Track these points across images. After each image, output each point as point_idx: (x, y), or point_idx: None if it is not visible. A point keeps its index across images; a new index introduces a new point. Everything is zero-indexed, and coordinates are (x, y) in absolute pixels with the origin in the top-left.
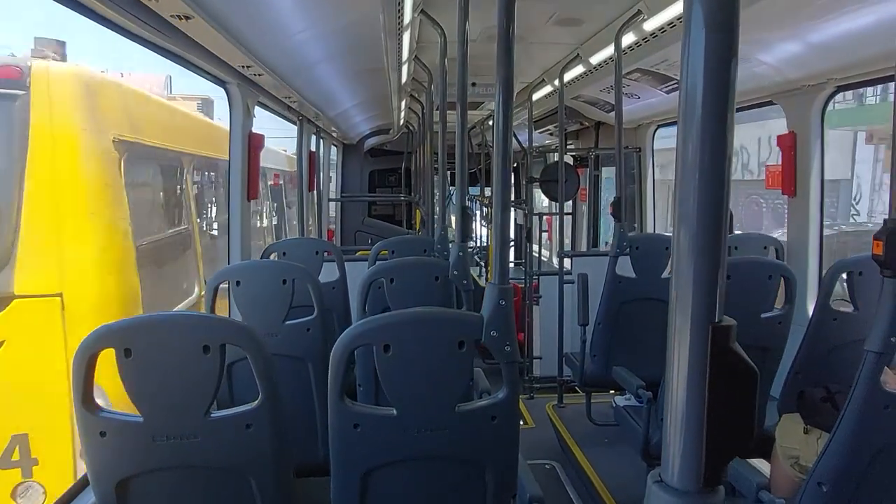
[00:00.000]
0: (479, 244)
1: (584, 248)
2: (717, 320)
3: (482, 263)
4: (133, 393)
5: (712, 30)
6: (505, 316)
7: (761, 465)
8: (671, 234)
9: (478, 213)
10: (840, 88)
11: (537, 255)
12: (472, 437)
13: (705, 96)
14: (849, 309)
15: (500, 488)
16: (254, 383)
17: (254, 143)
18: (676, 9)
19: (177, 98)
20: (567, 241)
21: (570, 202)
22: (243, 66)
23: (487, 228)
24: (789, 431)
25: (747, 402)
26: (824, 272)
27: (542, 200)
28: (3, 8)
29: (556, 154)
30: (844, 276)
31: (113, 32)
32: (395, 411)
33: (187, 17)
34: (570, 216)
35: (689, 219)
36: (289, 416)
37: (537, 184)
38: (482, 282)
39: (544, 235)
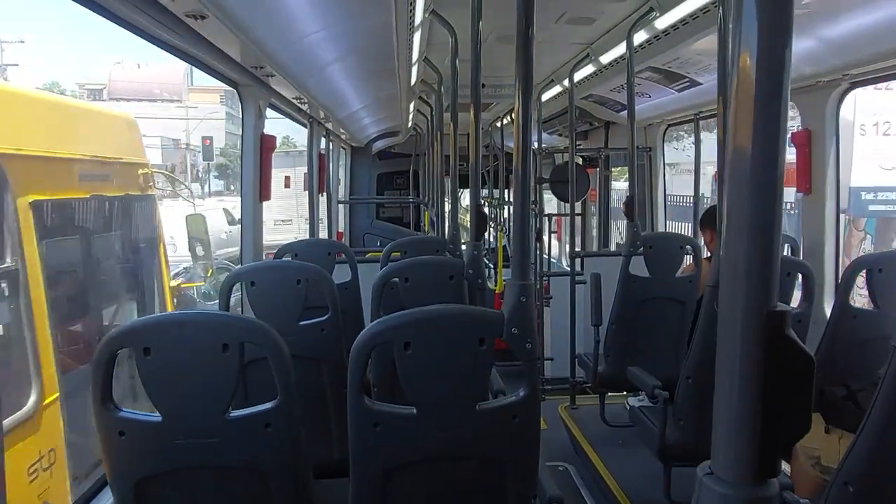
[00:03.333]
0: (487, 246)
1: (594, 249)
2: (772, 305)
3: (491, 265)
4: (152, 392)
5: (765, 8)
6: (526, 313)
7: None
8: (683, 234)
9: (487, 214)
10: (854, 84)
11: (546, 257)
12: (493, 437)
13: (758, 78)
14: (868, 306)
15: (521, 488)
16: (269, 384)
17: (266, 145)
18: (689, 6)
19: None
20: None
21: (580, 203)
22: (255, 67)
23: (495, 230)
24: (810, 431)
25: (804, 390)
26: (841, 269)
27: (551, 199)
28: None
29: (565, 154)
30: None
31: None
32: (415, 410)
33: (202, 17)
34: (580, 217)
35: (742, 201)
36: (304, 417)
37: (546, 184)
38: (491, 284)
39: (553, 237)
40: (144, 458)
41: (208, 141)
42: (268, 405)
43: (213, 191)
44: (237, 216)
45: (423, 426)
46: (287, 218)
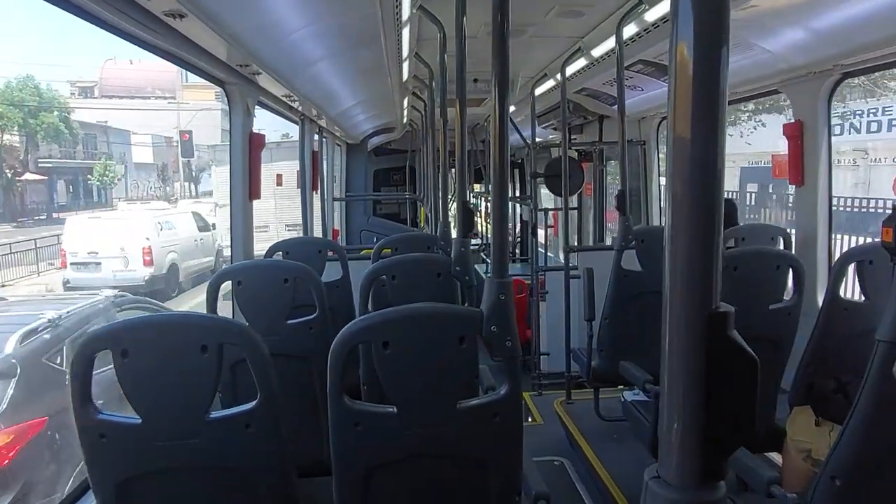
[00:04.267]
0: (485, 241)
1: (590, 243)
2: (714, 307)
3: (489, 260)
4: (131, 395)
5: (701, 17)
6: (505, 310)
7: (773, 458)
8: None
9: (483, 209)
10: (846, 75)
11: (543, 251)
12: (474, 435)
13: (696, 84)
14: (860, 298)
15: (504, 486)
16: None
17: (255, 143)
18: None
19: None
20: (573, 236)
21: (576, 197)
22: (241, 66)
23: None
24: (801, 424)
25: (748, 392)
26: (833, 262)
27: (548, 195)
28: None
29: (560, 149)
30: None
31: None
32: (394, 409)
33: (181, 16)
34: (575, 211)
35: (683, 205)
36: (292, 415)
37: (541, 179)
38: None
39: (550, 231)
40: (126, 460)
41: (187, 136)
42: (247, 406)
43: (207, 191)
44: (211, 221)
45: (404, 425)
46: (263, 225)
